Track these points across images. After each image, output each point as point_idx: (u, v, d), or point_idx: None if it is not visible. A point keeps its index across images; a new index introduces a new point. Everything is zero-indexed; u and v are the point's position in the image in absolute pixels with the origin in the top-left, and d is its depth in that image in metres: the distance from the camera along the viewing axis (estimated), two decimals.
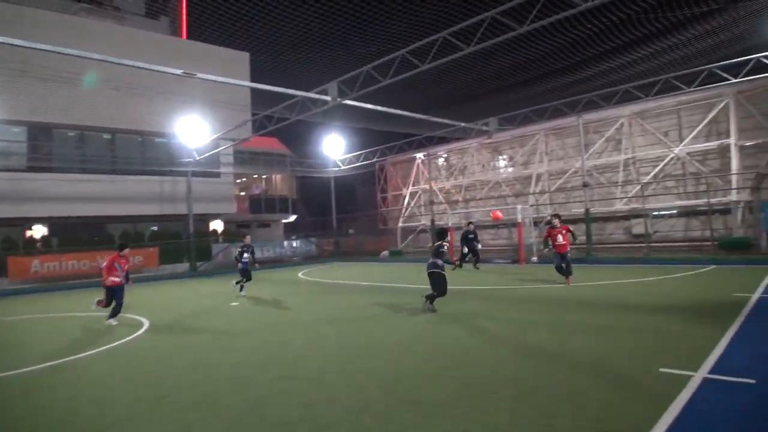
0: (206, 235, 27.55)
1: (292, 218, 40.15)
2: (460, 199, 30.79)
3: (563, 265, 13.06)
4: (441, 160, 33.01)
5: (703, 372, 5.21)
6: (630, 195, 22.98)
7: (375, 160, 31.11)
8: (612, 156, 24.01)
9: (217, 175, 27.64)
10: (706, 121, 20.85)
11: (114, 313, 10.60)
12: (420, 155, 32.18)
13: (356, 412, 4.69)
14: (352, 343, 7.68)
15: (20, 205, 21.24)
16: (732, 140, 19.99)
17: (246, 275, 14.56)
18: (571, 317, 8.74)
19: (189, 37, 25.06)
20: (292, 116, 18.72)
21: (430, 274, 10.23)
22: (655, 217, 22.70)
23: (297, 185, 43.52)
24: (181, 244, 25.01)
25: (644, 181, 22.45)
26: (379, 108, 18.17)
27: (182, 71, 14.29)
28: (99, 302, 10.85)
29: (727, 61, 16.27)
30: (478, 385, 5.26)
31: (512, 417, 4.38)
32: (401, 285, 15.37)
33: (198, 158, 24.49)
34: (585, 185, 21.17)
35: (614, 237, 24.13)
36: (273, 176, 40.02)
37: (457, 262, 18.81)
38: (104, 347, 8.25)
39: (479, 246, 19.29)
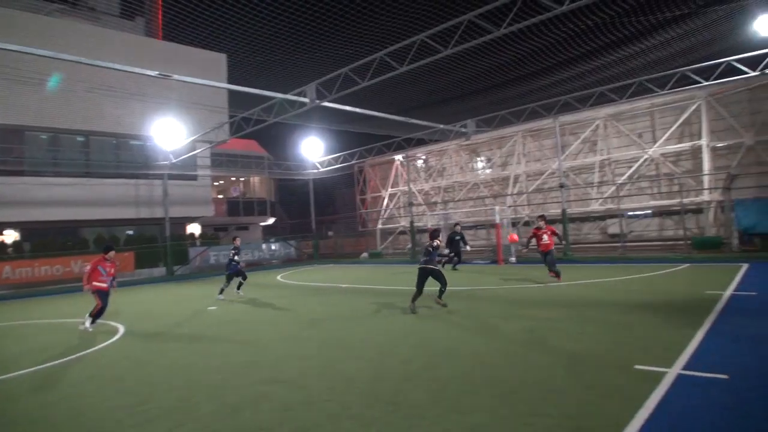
0: (183, 238, 27.21)
1: (271, 221, 39.91)
2: (439, 201, 30.91)
3: (546, 259, 13.34)
4: (420, 162, 33.12)
5: (677, 368, 5.31)
6: (605, 195, 23.33)
7: (354, 162, 31.08)
8: (588, 157, 24.35)
9: (194, 177, 27.32)
10: (678, 122, 21.27)
11: (94, 318, 10.30)
12: (399, 157, 32.23)
13: (336, 414, 4.67)
14: (332, 346, 7.65)
15: None
16: (704, 141, 20.43)
17: (241, 275, 14.65)
18: (548, 316, 8.83)
19: (165, 38, 24.72)
20: (270, 118, 18.61)
21: (429, 272, 10.33)
22: (630, 217, 23.08)
23: (275, 188, 43.30)
24: (157, 248, 24.66)
25: (619, 181, 22.81)
26: (357, 110, 18.19)
27: (158, 73, 14.12)
28: (91, 314, 10.26)
29: (699, 65, 16.63)
30: (457, 386, 5.28)
31: (492, 417, 4.40)
32: (381, 287, 15.36)
33: (174, 161, 24.19)
34: (562, 186, 21.43)
35: (590, 237, 24.46)
36: (251, 179, 39.73)
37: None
38: (77, 354, 8.07)
39: (467, 248, 19.31)
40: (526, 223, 26.09)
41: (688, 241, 19.07)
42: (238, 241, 14.94)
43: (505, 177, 27.61)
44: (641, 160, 22.35)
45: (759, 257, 15.77)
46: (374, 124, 25.75)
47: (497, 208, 22.64)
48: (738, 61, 15.91)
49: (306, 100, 16.11)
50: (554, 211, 22.99)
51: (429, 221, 25.80)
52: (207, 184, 28.92)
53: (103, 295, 10.25)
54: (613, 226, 22.82)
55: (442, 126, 23.14)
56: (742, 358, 5.63)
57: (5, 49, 11.72)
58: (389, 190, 34.10)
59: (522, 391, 5.00)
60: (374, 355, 6.89)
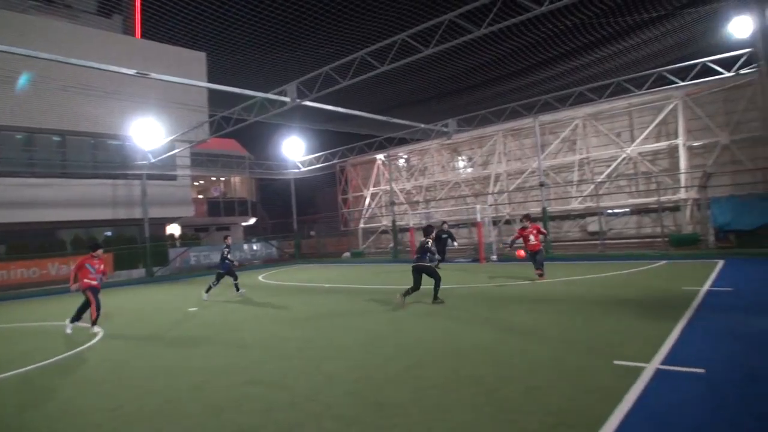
0: (163, 239, 26.89)
1: (252, 221, 39.65)
2: (421, 200, 30.98)
3: (535, 259, 13.50)
4: (401, 161, 33.15)
5: (655, 363, 5.39)
6: (585, 194, 23.60)
7: (336, 161, 31.01)
8: (567, 156, 24.60)
9: (174, 177, 26.99)
10: (656, 122, 21.60)
11: (77, 317, 10.03)
12: (380, 156, 32.23)
13: (318, 415, 4.66)
14: (315, 345, 7.63)
15: None
16: (680, 141, 20.77)
17: (233, 275, 14.59)
18: (529, 313, 8.91)
19: (143, 35, 24.38)
20: (250, 117, 18.48)
21: (423, 270, 10.67)
22: (609, 215, 23.37)
23: (257, 187, 43.05)
24: (136, 249, 24.33)
25: (598, 180, 23.08)
26: (338, 109, 18.14)
27: (135, 71, 13.91)
28: (92, 318, 9.94)
29: (676, 65, 16.92)
30: (440, 384, 5.30)
31: (475, 415, 4.43)
32: (363, 286, 15.36)
33: (153, 160, 23.88)
34: (542, 185, 21.63)
35: (570, 235, 24.71)
36: (232, 178, 39.43)
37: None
38: (56, 358, 7.93)
39: (455, 244, 19.34)
40: (507, 222, 26.30)
41: (666, 239, 19.38)
42: (229, 240, 14.94)
43: (486, 176, 27.76)
44: (619, 159, 22.65)
45: (734, 253, 16.10)
46: (356, 124, 25.70)
47: (478, 206, 22.78)
48: (713, 62, 16.24)
49: (287, 99, 16.01)
50: (535, 209, 23.17)
51: (411, 220, 25.84)
52: (187, 184, 28.60)
53: (94, 292, 9.93)
54: (593, 224, 23.09)
55: (423, 125, 23.19)
56: (718, 352, 5.74)
57: None
58: (371, 189, 34.08)
59: (504, 388, 5.04)
60: (357, 354, 6.89)
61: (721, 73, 16.36)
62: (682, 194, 20.62)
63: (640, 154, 22.15)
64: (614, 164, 22.79)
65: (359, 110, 19.15)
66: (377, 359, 6.53)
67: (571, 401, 4.56)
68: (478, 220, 21.76)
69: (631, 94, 18.57)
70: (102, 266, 10.21)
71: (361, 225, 34.19)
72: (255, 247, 31.40)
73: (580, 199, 23.67)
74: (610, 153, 23.00)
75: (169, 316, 11.87)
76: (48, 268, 21.21)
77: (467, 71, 19.48)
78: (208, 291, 14.25)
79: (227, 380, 5.99)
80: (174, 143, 23.75)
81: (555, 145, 24.78)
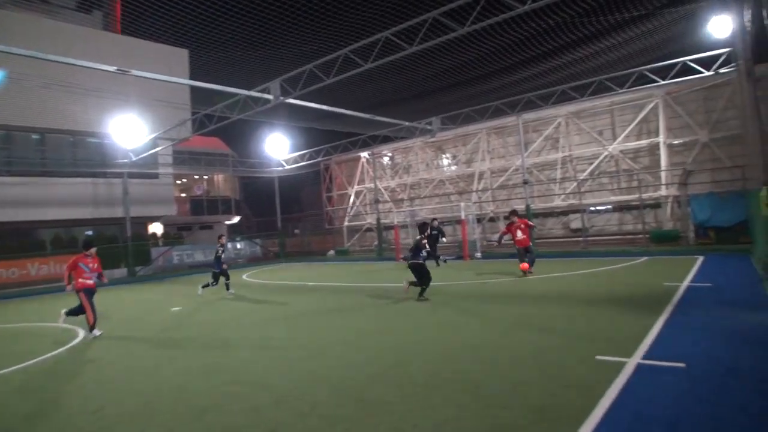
0: (145, 238, 26.59)
1: (236, 219, 39.39)
2: (406, 198, 31.02)
3: (526, 257, 13.58)
4: (386, 159, 33.17)
5: (637, 358, 5.46)
6: (568, 191, 23.82)
7: (320, 159, 30.89)
8: (550, 154, 24.79)
9: (156, 176, 26.71)
10: (637, 120, 21.87)
11: (73, 313, 9.62)
12: (365, 154, 32.20)
13: (303, 413, 4.65)
14: (299, 344, 7.60)
15: None
16: (661, 139, 21.06)
17: (225, 274, 14.70)
18: (512, 310, 8.97)
19: (124, 32, 24.01)
20: (233, 115, 18.33)
21: (416, 267, 10.98)
22: (592, 212, 23.63)
23: (240, 186, 42.74)
24: (118, 248, 24.02)
25: (581, 178, 23.31)
26: (323, 107, 18.08)
27: (116, 68, 13.72)
28: (89, 324, 9.44)
29: (656, 64, 17.11)
30: (425, 381, 5.31)
31: (458, 410, 4.45)
32: (347, 284, 15.34)
33: (134, 159, 23.57)
34: (525, 182, 21.79)
35: (554, 232, 24.94)
36: (215, 177, 39.12)
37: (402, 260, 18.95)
38: (34, 360, 7.79)
39: (444, 240, 19.36)
40: (491, 219, 26.44)
41: (647, 235, 19.63)
42: (224, 239, 15.18)
43: (470, 174, 27.88)
44: (601, 156, 22.89)
45: (714, 249, 16.35)
46: (340, 122, 25.63)
47: (462, 204, 22.90)
48: (693, 61, 16.45)
49: (270, 96, 15.92)
50: (518, 206, 23.24)
51: (395, 218, 25.87)
52: (169, 183, 28.33)
53: (89, 293, 9.46)
54: (576, 221, 23.32)
55: (407, 123, 23.20)
56: (698, 347, 5.83)
57: None
58: (355, 187, 34.04)
59: (488, 384, 5.07)
60: (342, 352, 6.88)
61: (701, 72, 16.59)
62: (662, 191, 20.91)
63: (621, 151, 22.40)
64: (596, 162, 23.04)
65: (343, 108, 19.09)
66: (362, 357, 6.53)
67: (553, 396, 4.59)
68: (462, 217, 21.85)
69: (613, 93, 18.76)
70: (96, 265, 9.79)
71: (346, 223, 34.16)
72: (239, 246, 31.20)
73: (563, 196, 23.89)
74: (593, 151, 23.24)
75: (152, 316, 11.75)
76: (28, 268, 20.87)
77: (451, 69, 19.51)
78: (204, 287, 14.54)
79: (210, 380, 5.93)
80: (156, 141, 23.47)
81: (538, 143, 24.97)
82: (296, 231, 39.40)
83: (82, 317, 9.52)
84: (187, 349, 7.81)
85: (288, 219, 36.72)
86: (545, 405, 4.40)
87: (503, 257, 19.69)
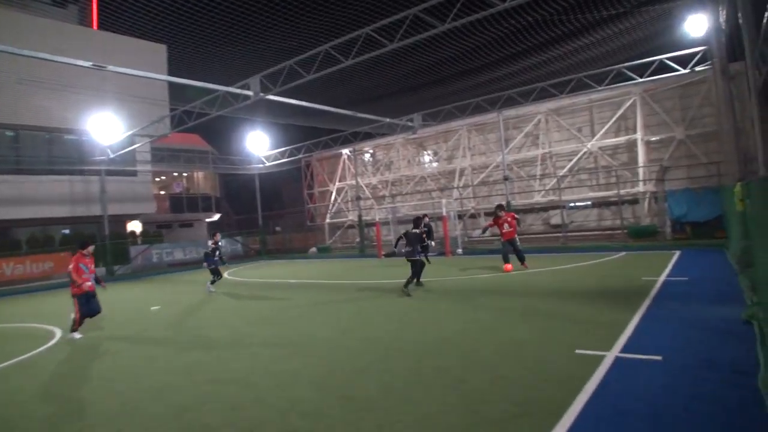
0: (123, 236, 26.21)
1: (216, 217, 39.01)
2: (387, 195, 31.03)
3: (511, 251, 13.75)
4: (367, 156, 33.12)
5: (615, 351, 5.54)
6: (547, 188, 24.04)
7: (301, 156, 30.72)
8: (530, 151, 24.98)
9: (134, 173, 26.31)
10: (615, 117, 22.14)
11: (79, 323, 9.16)
12: (346, 151, 32.11)
13: (284, 411, 4.63)
14: (280, 342, 7.57)
15: None
16: (638, 135, 21.35)
17: (214, 272, 15.00)
18: (493, 305, 9.04)
19: (100, 27, 23.58)
20: (213, 112, 18.13)
21: (411, 262, 11.39)
22: (571, 208, 23.88)
23: (220, 183, 42.33)
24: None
25: (560, 174, 23.54)
26: (303, 103, 17.98)
27: (91, 63, 13.47)
28: (74, 324, 9.07)
29: (634, 62, 17.34)
30: (407, 377, 5.33)
31: (441, 406, 4.47)
32: (329, 281, 15.31)
33: (112, 156, 23.19)
34: (506, 179, 21.95)
35: (534, 228, 25.14)
36: (195, 174, 38.68)
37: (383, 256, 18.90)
38: (10, 362, 7.64)
39: (432, 244, 18.64)
40: (472, 216, 26.58)
41: (625, 230, 19.91)
42: (218, 236, 15.81)
43: (451, 170, 27.97)
44: (581, 153, 23.14)
45: (690, 244, 16.66)
46: (321, 118, 25.52)
47: (444, 201, 22.99)
48: (670, 59, 16.69)
49: (250, 93, 15.78)
50: (499, 203, 23.50)
51: (377, 215, 25.86)
52: (147, 180, 27.95)
53: (89, 296, 9.11)
54: (555, 217, 23.54)
55: (388, 120, 23.19)
56: (675, 340, 5.93)
57: None
58: (337, 184, 33.94)
59: (470, 379, 5.10)
60: (323, 349, 6.86)
61: (677, 70, 16.84)
62: (640, 187, 21.21)
63: (600, 148, 22.67)
64: (576, 158, 23.28)
65: (324, 104, 19.01)
66: (344, 353, 6.52)
67: (534, 390, 4.64)
68: (444, 214, 21.92)
69: (592, 90, 18.96)
70: (92, 265, 9.46)
71: (328, 220, 34.05)
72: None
73: (543, 192, 24.10)
74: (572, 147, 23.47)
75: (131, 316, 11.61)
76: (2, 268, 20.43)
77: (432, 66, 19.55)
78: (213, 283, 14.84)
79: (191, 379, 5.88)
80: (134, 138, 23.13)
81: (518, 139, 25.15)
82: (277, 228, 39.17)
83: (65, 318, 9.30)
84: (167, 348, 7.73)
85: (269, 216, 36.49)
86: (525, 399, 4.45)
87: (484, 253, 19.81)
